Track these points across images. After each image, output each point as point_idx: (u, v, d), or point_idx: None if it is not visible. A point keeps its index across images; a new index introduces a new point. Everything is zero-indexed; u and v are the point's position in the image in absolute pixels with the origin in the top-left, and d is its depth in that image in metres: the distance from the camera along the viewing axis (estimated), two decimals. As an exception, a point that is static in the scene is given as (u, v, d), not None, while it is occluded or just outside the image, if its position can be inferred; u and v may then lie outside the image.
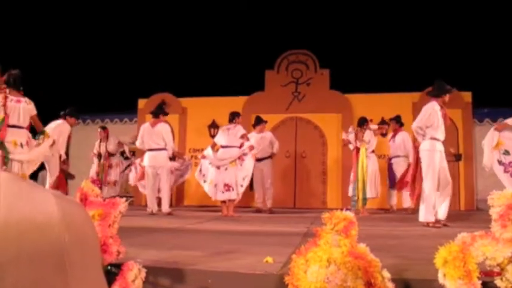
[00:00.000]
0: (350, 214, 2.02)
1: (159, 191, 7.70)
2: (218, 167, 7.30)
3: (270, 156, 8.69)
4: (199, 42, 11.14)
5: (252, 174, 8.23)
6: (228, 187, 7.21)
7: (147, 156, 7.56)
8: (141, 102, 11.38)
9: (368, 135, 7.77)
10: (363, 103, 10.17)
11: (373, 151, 7.88)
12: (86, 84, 11.26)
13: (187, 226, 5.44)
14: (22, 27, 10.25)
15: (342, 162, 10.12)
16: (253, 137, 8.53)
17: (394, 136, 8.75)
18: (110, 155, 9.42)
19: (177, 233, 4.74)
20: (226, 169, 7.26)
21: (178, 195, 10.46)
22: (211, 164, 7.41)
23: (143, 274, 2.31)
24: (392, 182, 8.68)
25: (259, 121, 8.80)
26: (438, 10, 10.04)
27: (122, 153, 9.61)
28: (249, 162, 7.35)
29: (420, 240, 4.00)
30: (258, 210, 8.49)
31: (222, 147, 7.46)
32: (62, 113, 7.75)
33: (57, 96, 9.79)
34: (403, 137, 8.59)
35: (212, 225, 5.69)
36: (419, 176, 5.76)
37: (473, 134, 10.17)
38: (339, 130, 10.27)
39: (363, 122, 7.83)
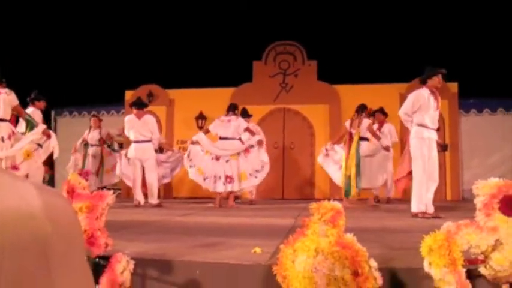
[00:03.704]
0: (337, 204, 2.04)
1: (144, 183, 7.60)
2: (218, 158, 7.18)
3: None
4: (187, 33, 11.06)
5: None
6: (230, 179, 7.12)
7: (134, 148, 7.45)
8: (128, 94, 11.29)
9: (365, 123, 7.49)
10: (351, 94, 10.18)
11: (366, 138, 7.63)
12: (72, 76, 11.13)
13: (176, 218, 5.43)
14: (8, 18, 10.07)
15: (330, 153, 10.14)
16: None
17: (380, 127, 8.73)
18: (98, 145, 9.26)
19: (165, 224, 4.74)
20: (227, 161, 7.15)
21: (166, 187, 10.41)
22: (205, 151, 7.25)
23: (131, 266, 2.31)
24: None
25: (245, 115, 8.21)
26: (425, 1, 10.08)
27: (109, 145, 9.48)
28: (258, 155, 7.22)
29: (406, 230, 4.05)
30: (237, 197, 8.19)
31: (221, 138, 7.33)
32: (28, 99, 7.17)
33: (43, 89, 9.66)
34: (389, 128, 8.61)
35: (200, 217, 5.69)
36: (407, 165, 5.69)
37: (459, 125, 10.26)
38: (327, 121, 10.31)
39: (361, 109, 7.54)
